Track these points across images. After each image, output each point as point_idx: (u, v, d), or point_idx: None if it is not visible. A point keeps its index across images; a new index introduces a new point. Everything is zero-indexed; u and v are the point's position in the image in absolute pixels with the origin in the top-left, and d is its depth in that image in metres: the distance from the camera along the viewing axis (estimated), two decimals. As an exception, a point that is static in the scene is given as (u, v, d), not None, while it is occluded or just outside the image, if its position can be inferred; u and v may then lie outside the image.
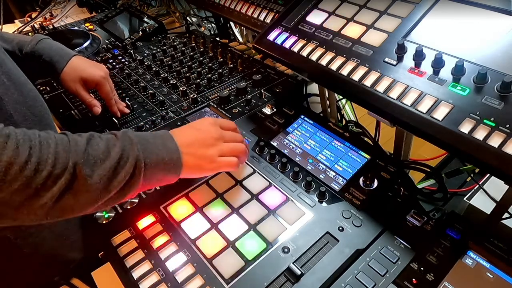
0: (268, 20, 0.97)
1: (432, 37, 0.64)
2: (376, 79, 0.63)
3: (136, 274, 0.60)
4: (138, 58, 1.18)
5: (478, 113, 0.53)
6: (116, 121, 0.90)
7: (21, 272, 0.72)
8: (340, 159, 0.75)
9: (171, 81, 1.04)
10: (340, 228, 0.63)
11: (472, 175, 0.79)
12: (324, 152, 0.77)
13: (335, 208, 0.66)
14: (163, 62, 1.15)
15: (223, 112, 0.91)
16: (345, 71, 0.67)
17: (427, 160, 0.81)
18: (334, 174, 0.72)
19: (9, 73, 0.63)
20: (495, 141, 0.50)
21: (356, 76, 0.66)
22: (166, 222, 0.66)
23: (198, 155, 0.60)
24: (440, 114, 0.56)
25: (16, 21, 1.75)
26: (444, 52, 0.60)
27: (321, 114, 1.01)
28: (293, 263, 0.58)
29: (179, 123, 0.89)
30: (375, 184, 0.68)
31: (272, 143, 0.81)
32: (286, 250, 0.60)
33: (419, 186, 0.80)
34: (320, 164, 0.75)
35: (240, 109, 0.92)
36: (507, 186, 0.60)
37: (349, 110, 1.06)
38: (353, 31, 0.72)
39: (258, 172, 0.74)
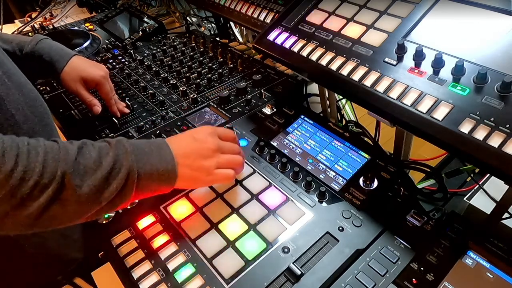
0: (268, 20, 0.97)
1: (432, 37, 0.64)
2: (376, 79, 0.63)
3: (136, 274, 0.60)
4: (138, 58, 1.18)
5: (478, 113, 0.53)
6: (116, 121, 0.90)
7: (22, 272, 0.72)
8: (340, 159, 0.75)
9: (171, 81, 1.04)
10: (340, 228, 0.63)
11: (472, 175, 0.79)
12: (324, 152, 0.77)
13: (335, 208, 0.66)
14: (163, 62, 1.15)
15: (223, 112, 0.91)
16: (345, 71, 0.67)
17: (427, 160, 0.81)
18: (334, 174, 0.72)
19: (9, 73, 0.63)
20: (495, 141, 0.50)
21: (356, 76, 0.66)
22: (166, 222, 0.66)
23: (195, 166, 0.59)
24: (440, 114, 0.56)
25: (16, 21, 1.75)
26: (444, 52, 0.60)
27: (321, 114, 1.01)
28: (293, 263, 0.58)
29: (179, 123, 0.89)
30: (375, 184, 0.68)
31: (272, 143, 0.81)
32: (286, 250, 0.60)
33: (419, 186, 0.80)
34: (320, 164, 0.75)
35: (240, 109, 0.92)
36: (507, 186, 0.60)
37: (349, 110, 1.06)
38: (353, 31, 0.72)
39: (258, 172, 0.74)
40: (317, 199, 0.68)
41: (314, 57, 0.72)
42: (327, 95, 0.96)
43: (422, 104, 0.58)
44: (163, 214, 0.68)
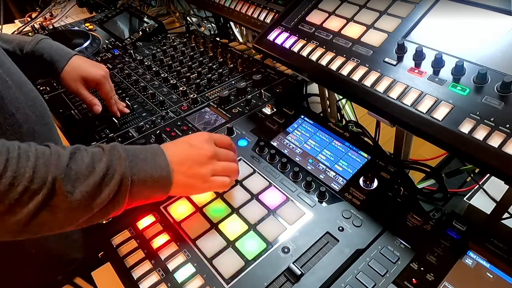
0: (268, 20, 0.97)
1: (432, 37, 0.64)
2: (376, 79, 0.63)
3: (136, 274, 0.60)
4: (138, 58, 1.18)
5: (478, 113, 0.53)
6: (116, 121, 0.90)
7: (22, 272, 0.72)
8: (340, 159, 0.75)
9: (171, 81, 1.04)
10: (340, 228, 0.63)
11: (472, 175, 0.79)
12: (324, 152, 0.77)
13: (335, 208, 0.66)
14: (163, 62, 1.15)
15: (223, 112, 0.91)
16: (345, 71, 0.67)
17: (427, 160, 0.81)
18: (334, 174, 0.72)
19: (9, 73, 0.63)
20: (495, 141, 0.50)
21: (356, 76, 0.66)
22: (166, 222, 0.66)
23: (190, 173, 0.58)
24: (440, 114, 0.56)
25: (16, 21, 1.75)
26: (444, 52, 0.60)
27: (321, 114, 1.01)
28: (293, 263, 0.58)
29: (179, 123, 0.89)
30: (375, 184, 0.68)
31: (272, 143, 0.81)
32: (286, 250, 0.60)
33: (419, 186, 0.80)
34: (320, 164, 0.75)
35: (240, 109, 0.92)
36: (507, 186, 0.60)
37: (349, 110, 1.06)
38: (353, 31, 0.72)
39: (258, 172, 0.74)
40: (317, 199, 0.68)
41: (314, 57, 0.72)
42: (327, 95, 0.96)
43: (422, 104, 0.58)
44: (163, 214, 0.68)
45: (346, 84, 0.66)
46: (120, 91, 1.04)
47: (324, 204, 0.67)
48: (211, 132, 0.84)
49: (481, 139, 0.51)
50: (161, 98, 0.98)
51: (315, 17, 0.78)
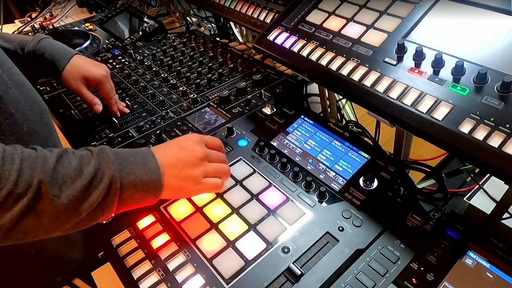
0: (268, 20, 0.97)
1: (432, 37, 0.64)
2: (376, 79, 0.63)
3: (136, 274, 0.60)
4: (138, 58, 1.18)
5: (478, 113, 0.53)
6: (116, 121, 0.90)
7: (22, 272, 0.72)
8: (340, 159, 0.75)
9: (171, 81, 1.04)
10: (340, 228, 0.63)
11: (472, 175, 0.79)
12: (324, 152, 0.77)
13: (335, 208, 0.66)
14: (163, 62, 1.15)
15: (223, 112, 0.91)
16: (345, 71, 0.67)
17: (427, 160, 0.81)
18: (334, 174, 0.72)
19: (9, 73, 0.63)
20: (495, 141, 0.50)
21: (356, 76, 0.66)
22: (166, 222, 0.66)
23: (181, 176, 0.57)
24: (440, 114, 0.56)
25: (16, 21, 1.75)
26: (444, 52, 0.60)
27: (321, 114, 1.01)
28: (293, 263, 0.58)
29: (179, 123, 0.89)
30: (375, 184, 0.68)
31: (272, 143, 0.81)
32: (286, 250, 0.60)
33: (419, 186, 0.80)
34: (320, 164, 0.75)
35: (240, 109, 0.92)
36: (507, 186, 0.60)
37: (349, 110, 1.06)
38: (353, 31, 0.72)
39: (258, 172, 0.74)
40: (317, 199, 0.68)
41: (314, 57, 0.72)
42: (327, 95, 0.96)
43: (422, 104, 0.58)
44: (163, 214, 0.68)
45: (346, 84, 0.66)
46: (120, 91, 1.04)
47: (324, 204, 0.67)
48: (211, 132, 0.84)
49: (481, 139, 0.51)
50: (161, 98, 0.98)
51: (315, 17, 0.78)
